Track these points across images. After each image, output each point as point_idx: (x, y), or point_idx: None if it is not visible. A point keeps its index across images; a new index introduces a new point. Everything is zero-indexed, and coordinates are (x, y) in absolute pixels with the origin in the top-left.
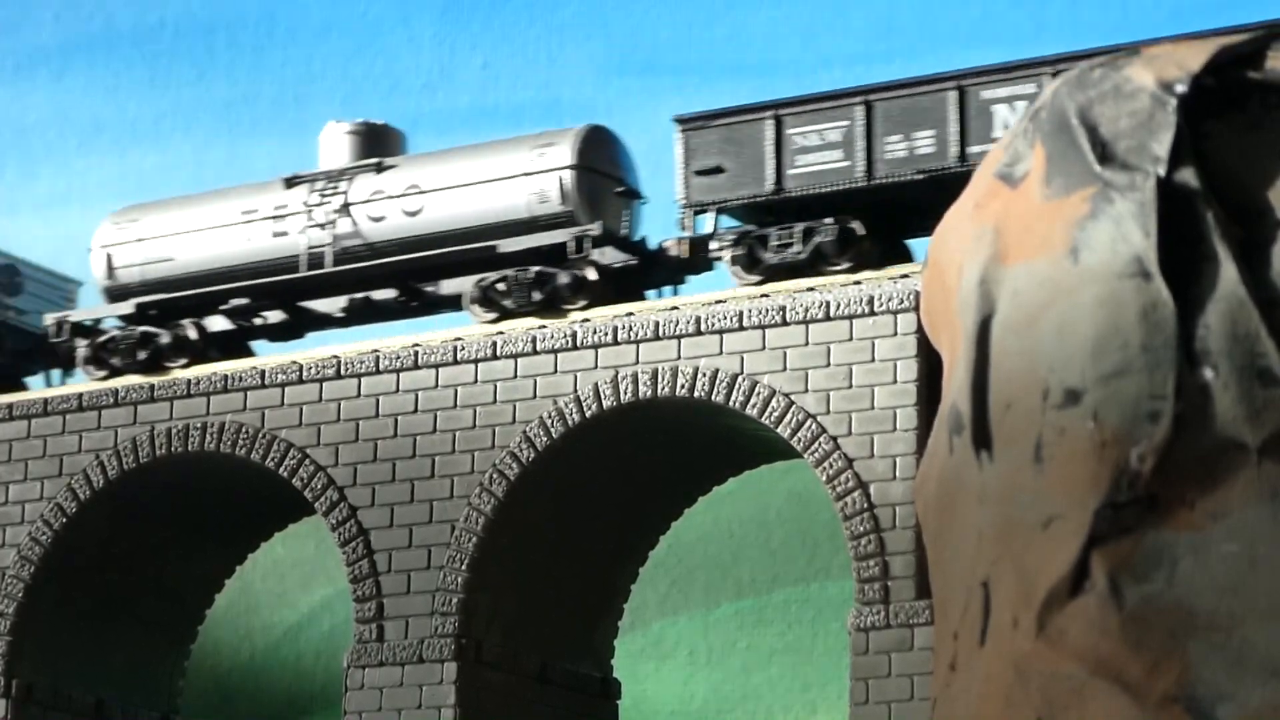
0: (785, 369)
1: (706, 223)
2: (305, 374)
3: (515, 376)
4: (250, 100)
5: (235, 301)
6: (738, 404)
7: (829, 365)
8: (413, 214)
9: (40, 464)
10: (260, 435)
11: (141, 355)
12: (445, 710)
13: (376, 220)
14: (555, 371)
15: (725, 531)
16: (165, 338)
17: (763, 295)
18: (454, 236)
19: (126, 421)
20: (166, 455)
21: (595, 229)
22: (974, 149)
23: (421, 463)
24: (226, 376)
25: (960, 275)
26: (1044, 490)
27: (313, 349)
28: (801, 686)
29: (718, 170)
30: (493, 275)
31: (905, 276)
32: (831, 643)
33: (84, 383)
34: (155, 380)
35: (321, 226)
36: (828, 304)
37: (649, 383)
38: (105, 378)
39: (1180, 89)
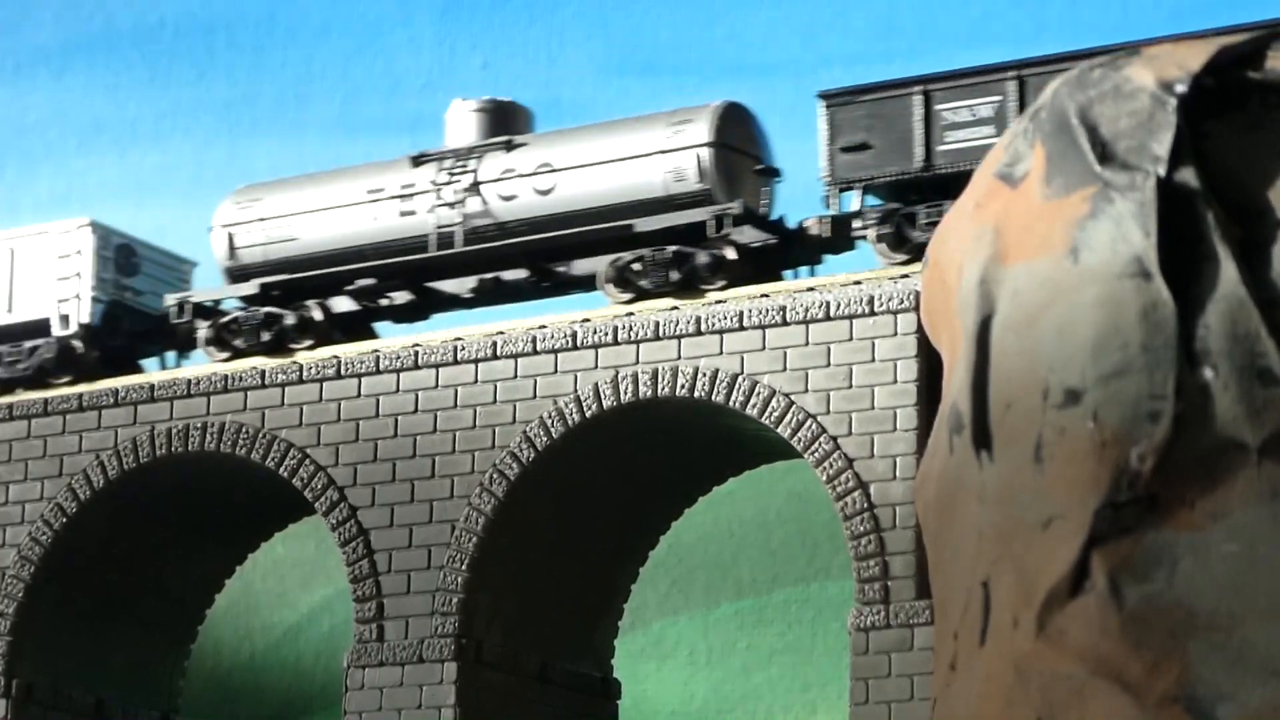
0: (785, 369)
1: (852, 200)
2: (305, 374)
3: (515, 376)
4: (250, 100)
5: (361, 282)
6: (738, 404)
7: (829, 365)
8: (544, 193)
9: (40, 464)
10: (260, 435)
11: (265, 336)
12: (445, 710)
13: (507, 199)
14: (555, 371)
15: (725, 531)
16: (290, 319)
17: (763, 295)
18: (587, 215)
19: (126, 421)
20: (166, 455)
21: (736, 207)
22: None
23: (421, 463)
24: (227, 376)
25: (960, 275)
26: (1044, 490)
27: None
28: (801, 686)
29: (864, 147)
30: (628, 255)
31: (905, 276)
32: (831, 643)
33: (83, 384)
34: (155, 380)
35: (450, 205)
36: (828, 304)
37: (649, 383)
38: (229, 359)
39: (1180, 89)
